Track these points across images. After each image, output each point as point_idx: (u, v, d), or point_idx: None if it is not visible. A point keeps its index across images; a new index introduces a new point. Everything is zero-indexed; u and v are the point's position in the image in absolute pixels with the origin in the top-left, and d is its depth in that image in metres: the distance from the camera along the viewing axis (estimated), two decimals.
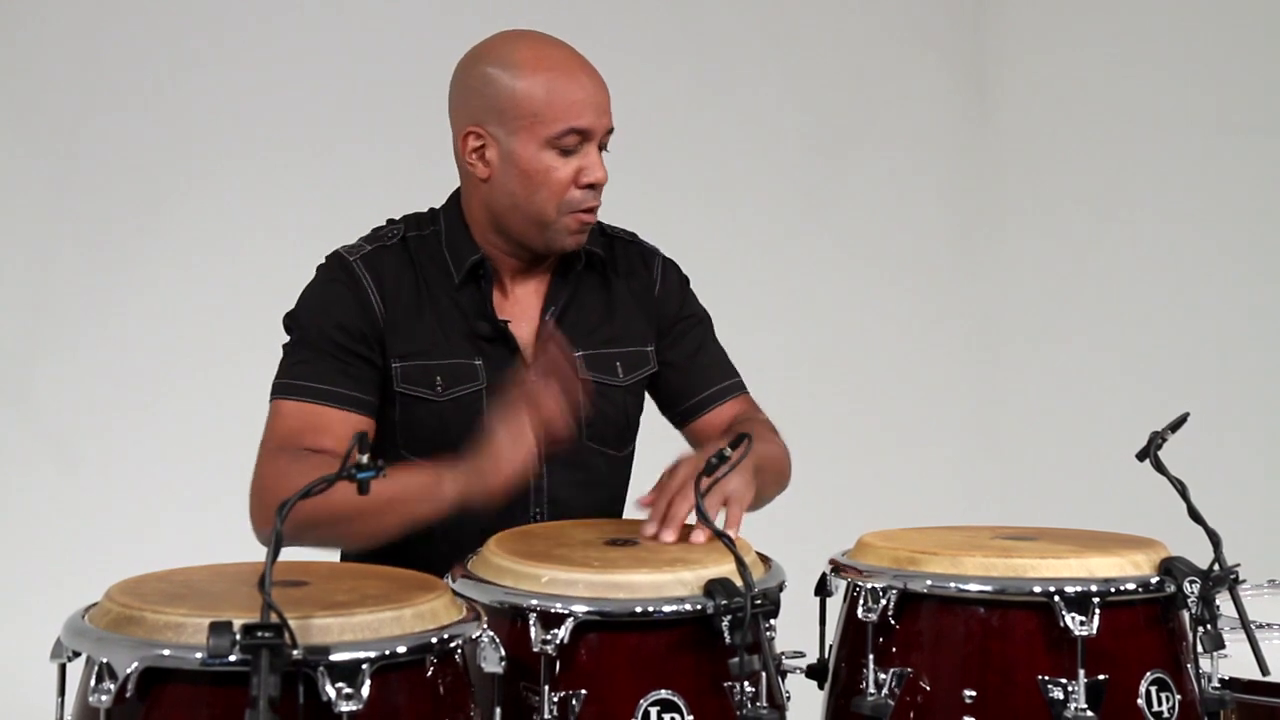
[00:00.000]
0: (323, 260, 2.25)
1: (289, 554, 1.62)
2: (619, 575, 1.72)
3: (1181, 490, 1.91)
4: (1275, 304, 4.29)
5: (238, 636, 1.39)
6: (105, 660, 1.46)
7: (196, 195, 3.95)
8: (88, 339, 3.85)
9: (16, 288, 3.84)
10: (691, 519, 1.90)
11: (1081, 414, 4.63)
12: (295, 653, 1.41)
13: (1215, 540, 1.87)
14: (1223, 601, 1.87)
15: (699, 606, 1.68)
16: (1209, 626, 1.82)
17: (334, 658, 1.44)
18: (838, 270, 4.71)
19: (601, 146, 2.18)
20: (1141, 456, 1.94)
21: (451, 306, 2.22)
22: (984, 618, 1.83)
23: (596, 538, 1.93)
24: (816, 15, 4.73)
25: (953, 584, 1.84)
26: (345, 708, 1.42)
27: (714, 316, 2.45)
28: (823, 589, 2.01)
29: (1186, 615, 1.85)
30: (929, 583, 1.85)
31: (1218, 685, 1.88)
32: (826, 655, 1.99)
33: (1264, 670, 1.86)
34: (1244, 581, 1.90)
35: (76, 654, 1.54)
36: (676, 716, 1.67)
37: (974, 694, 1.80)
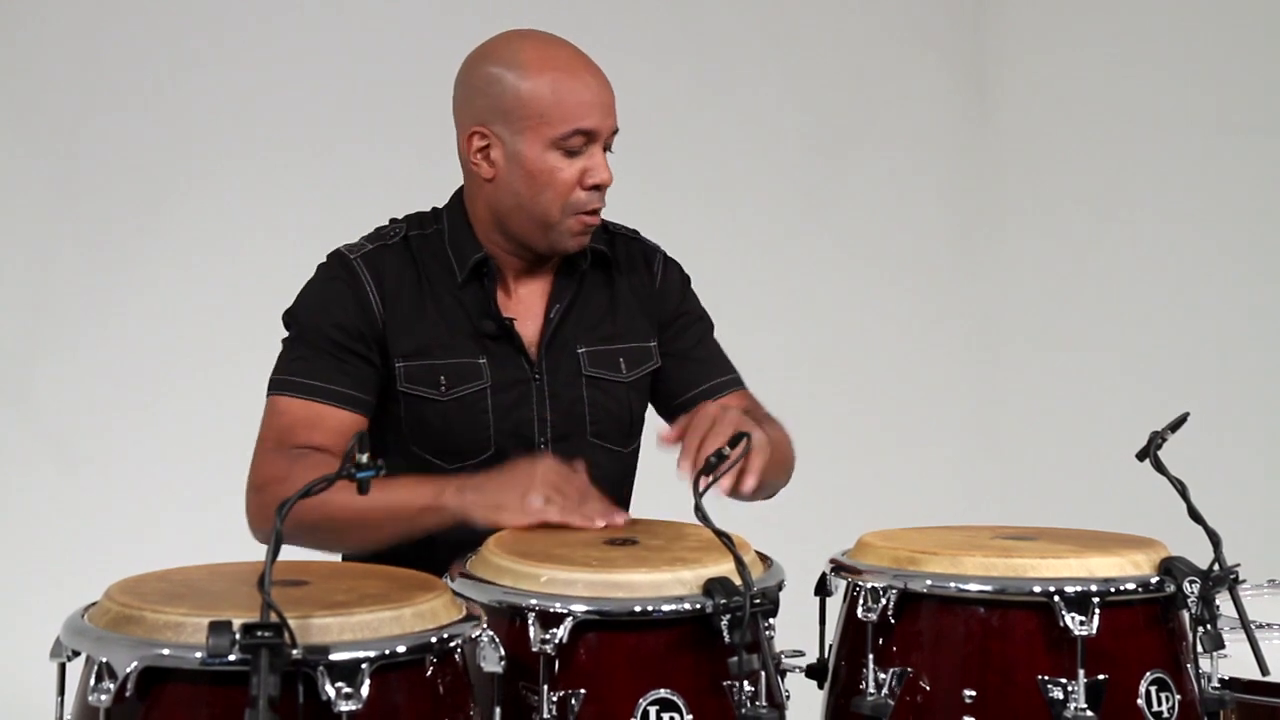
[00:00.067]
0: (324, 259, 2.25)
1: (289, 554, 1.62)
2: (618, 575, 1.72)
3: (1181, 490, 1.91)
4: (1275, 304, 4.29)
5: (237, 636, 1.39)
6: (105, 660, 1.46)
7: (196, 195, 3.95)
8: (88, 339, 3.85)
9: (16, 288, 3.84)
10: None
11: (1081, 414, 4.63)
12: (295, 652, 1.41)
13: (1215, 540, 1.86)
14: (1223, 601, 1.87)
15: (698, 606, 1.68)
16: (1209, 626, 1.82)
17: (333, 657, 1.44)
18: (838, 270, 4.71)
19: (606, 147, 2.18)
20: (1141, 456, 1.94)
21: (455, 305, 2.22)
22: (984, 618, 1.83)
23: (595, 537, 1.93)
24: (816, 15, 4.73)
25: (953, 584, 1.84)
26: (345, 707, 1.42)
27: (714, 316, 2.44)
28: (823, 589, 2.01)
29: (1186, 615, 1.85)
30: (929, 582, 1.85)
31: (1218, 685, 1.88)
32: (826, 655, 1.99)
33: (1264, 670, 1.86)
34: (1244, 581, 1.90)
35: (76, 653, 1.54)
36: (676, 716, 1.67)
37: (974, 694, 1.80)
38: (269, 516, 1.97)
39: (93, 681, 1.46)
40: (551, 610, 1.68)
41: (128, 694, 1.45)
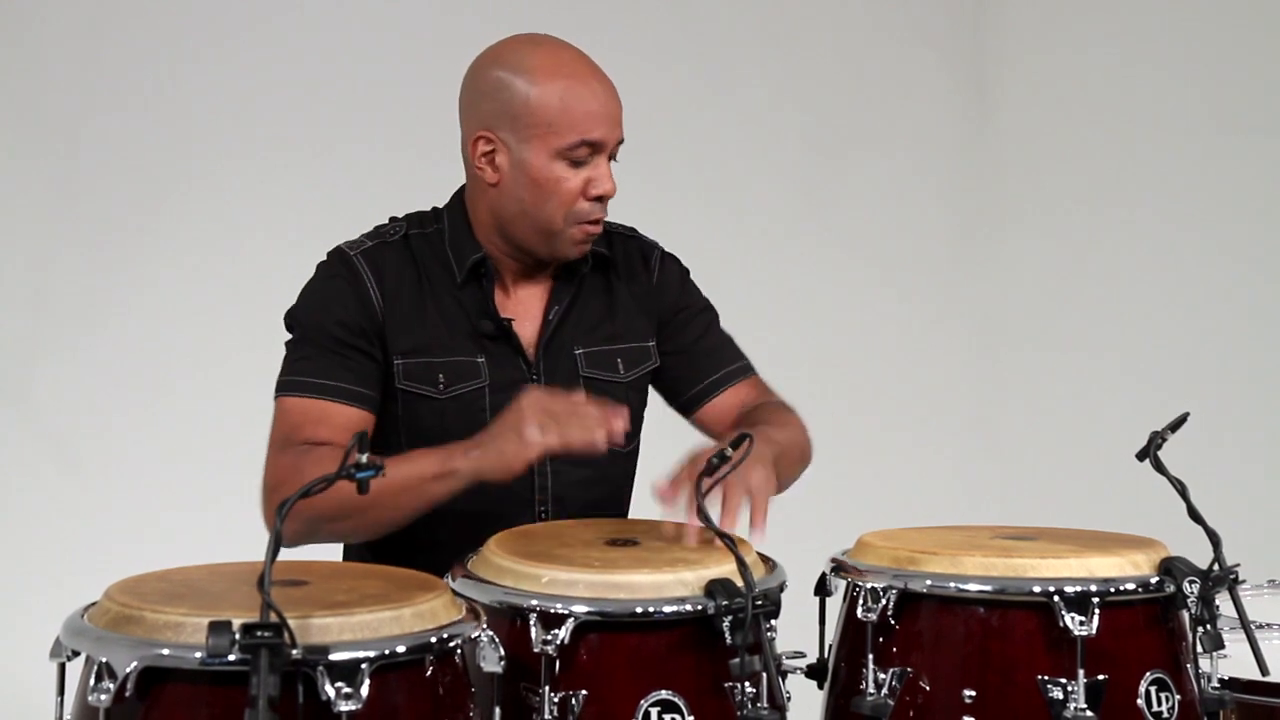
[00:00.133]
0: (323, 258, 2.25)
1: (289, 554, 1.62)
2: (619, 575, 1.72)
3: (1181, 490, 1.91)
4: (1275, 304, 4.29)
5: (237, 636, 1.39)
6: (104, 659, 1.46)
7: (196, 195, 3.95)
8: (88, 339, 3.85)
9: (16, 288, 3.84)
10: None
11: (1081, 414, 4.63)
12: (294, 652, 1.41)
13: (1215, 540, 1.87)
14: (1222, 601, 1.87)
15: (700, 607, 1.68)
16: (1208, 626, 1.82)
17: (333, 657, 1.44)
18: (838, 270, 4.71)
19: (611, 157, 2.18)
20: (1141, 456, 1.94)
21: (454, 305, 2.22)
22: (984, 618, 1.83)
23: (597, 538, 1.93)
24: (816, 15, 4.73)
25: (952, 584, 1.84)
26: (344, 707, 1.42)
27: None
28: (822, 589, 2.01)
29: (1186, 615, 1.85)
30: (929, 582, 1.85)
31: (1217, 685, 1.88)
32: (826, 655, 1.99)
33: (1263, 670, 1.86)
34: (1244, 581, 1.90)
35: (76, 653, 1.54)
36: (677, 717, 1.67)
37: (973, 694, 1.80)
38: (289, 517, 1.98)
39: (92, 681, 1.46)
40: (553, 611, 1.68)
41: (127, 694, 1.45)
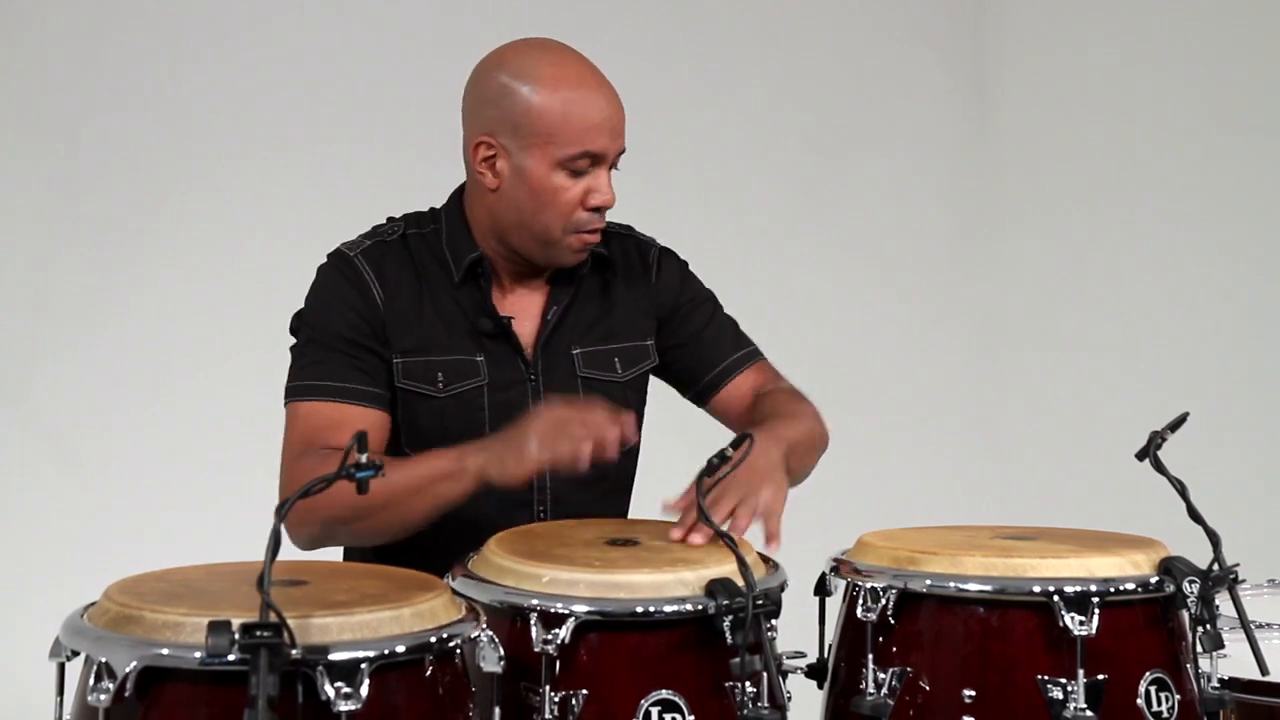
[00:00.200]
0: (324, 260, 2.25)
1: (288, 554, 1.62)
2: (620, 575, 1.72)
3: (1181, 490, 1.91)
4: (1275, 304, 4.29)
5: (236, 636, 1.39)
6: (104, 659, 1.46)
7: (196, 195, 3.96)
8: (88, 339, 3.85)
9: (16, 288, 3.84)
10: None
11: (1081, 414, 4.63)
12: (294, 652, 1.41)
13: (1215, 540, 1.87)
14: (1222, 601, 1.87)
15: (700, 607, 1.68)
16: (1208, 626, 1.82)
17: (333, 657, 1.44)
18: (838, 270, 4.71)
19: (612, 166, 2.18)
20: (1141, 456, 1.94)
21: (452, 304, 2.22)
22: (983, 617, 1.83)
23: (597, 537, 1.93)
24: (816, 15, 4.73)
25: (952, 584, 1.84)
26: (344, 707, 1.42)
27: None
28: (822, 589, 2.01)
29: (1186, 615, 1.85)
30: (928, 582, 1.85)
31: (1217, 685, 1.88)
32: (826, 655, 1.99)
33: (1263, 670, 1.86)
34: (1243, 581, 1.90)
35: (75, 653, 1.54)
36: (678, 717, 1.67)
37: (973, 694, 1.80)
38: (305, 521, 1.98)
39: (92, 681, 1.46)
40: (553, 610, 1.68)
41: (127, 694, 1.45)
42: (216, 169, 3.96)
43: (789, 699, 1.74)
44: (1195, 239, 4.43)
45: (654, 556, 1.81)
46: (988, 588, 1.83)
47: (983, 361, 4.89)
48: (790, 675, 1.81)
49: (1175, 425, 1.96)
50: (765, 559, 1.89)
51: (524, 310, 2.25)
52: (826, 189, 4.74)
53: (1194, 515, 1.89)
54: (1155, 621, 1.85)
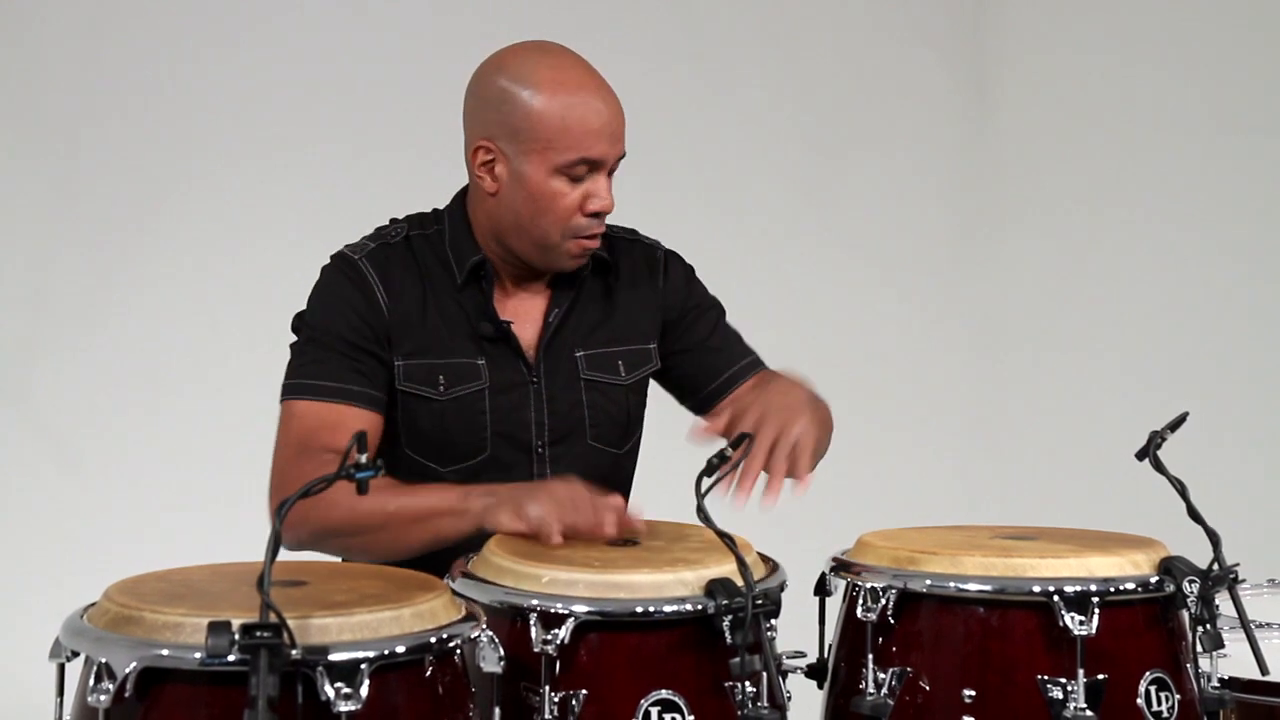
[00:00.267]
0: (326, 261, 2.25)
1: (288, 554, 1.62)
2: (619, 575, 1.72)
3: (1181, 490, 1.91)
4: (1275, 304, 4.29)
5: (236, 636, 1.39)
6: (104, 660, 1.46)
7: (196, 195, 3.96)
8: (88, 339, 3.86)
9: (16, 288, 3.84)
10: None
11: (1081, 414, 4.63)
12: (294, 652, 1.41)
13: (1214, 540, 1.87)
14: (1222, 601, 1.87)
15: (700, 606, 1.68)
16: (1208, 626, 1.82)
17: (333, 657, 1.44)
18: (838, 270, 4.71)
19: (610, 171, 2.17)
20: (1141, 456, 1.94)
21: (454, 306, 2.22)
22: (983, 617, 1.83)
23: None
24: (816, 15, 4.73)
25: (952, 584, 1.84)
26: (344, 707, 1.42)
27: None
28: (822, 588, 2.01)
29: (1186, 615, 1.85)
30: (928, 582, 1.85)
31: (1217, 685, 1.88)
32: (826, 655, 1.99)
33: (1263, 670, 1.86)
34: (1243, 581, 1.90)
35: (75, 654, 1.54)
36: (677, 717, 1.67)
37: (973, 694, 1.80)
38: (295, 521, 1.98)
39: (92, 682, 1.46)
40: (553, 611, 1.68)
41: (127, 694, 1.45)
42: (216, 169, 3.96)
43: (789, 699, 1.74)
44: (1195, 239, 4.43)
45: (654, 556, 1.81)
46: (988, 588, 1.83)
47: (983, 361, 4.89)
48: (790, 675, 1.81)
49: (1175, 425, 1.96)
50: (765, 558, 1.89)
51: (525, 313, 2.25)
52: (826, 189, 4.74)
53: (1194, 515, 1.89)
54: (1155, 621, 1.85)
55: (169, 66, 3.92)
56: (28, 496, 3.78)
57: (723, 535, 1.75)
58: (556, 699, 1.66)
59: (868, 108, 4.80)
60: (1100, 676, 1.79)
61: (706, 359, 2.35)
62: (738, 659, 1.62)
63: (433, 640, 1.54)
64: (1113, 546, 1.89)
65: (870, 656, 1.86)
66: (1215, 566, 1.85)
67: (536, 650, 1.65)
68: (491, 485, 2.02)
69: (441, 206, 2.31)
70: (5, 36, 3.79)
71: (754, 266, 4.50)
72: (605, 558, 1.80)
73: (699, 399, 2.36)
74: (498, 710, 1.65)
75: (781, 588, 1.80)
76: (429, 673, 1.54)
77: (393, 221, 2.30)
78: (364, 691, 1.43)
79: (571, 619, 1.66)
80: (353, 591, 1.60)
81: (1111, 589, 1.80)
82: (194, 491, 3.75)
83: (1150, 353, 4.46)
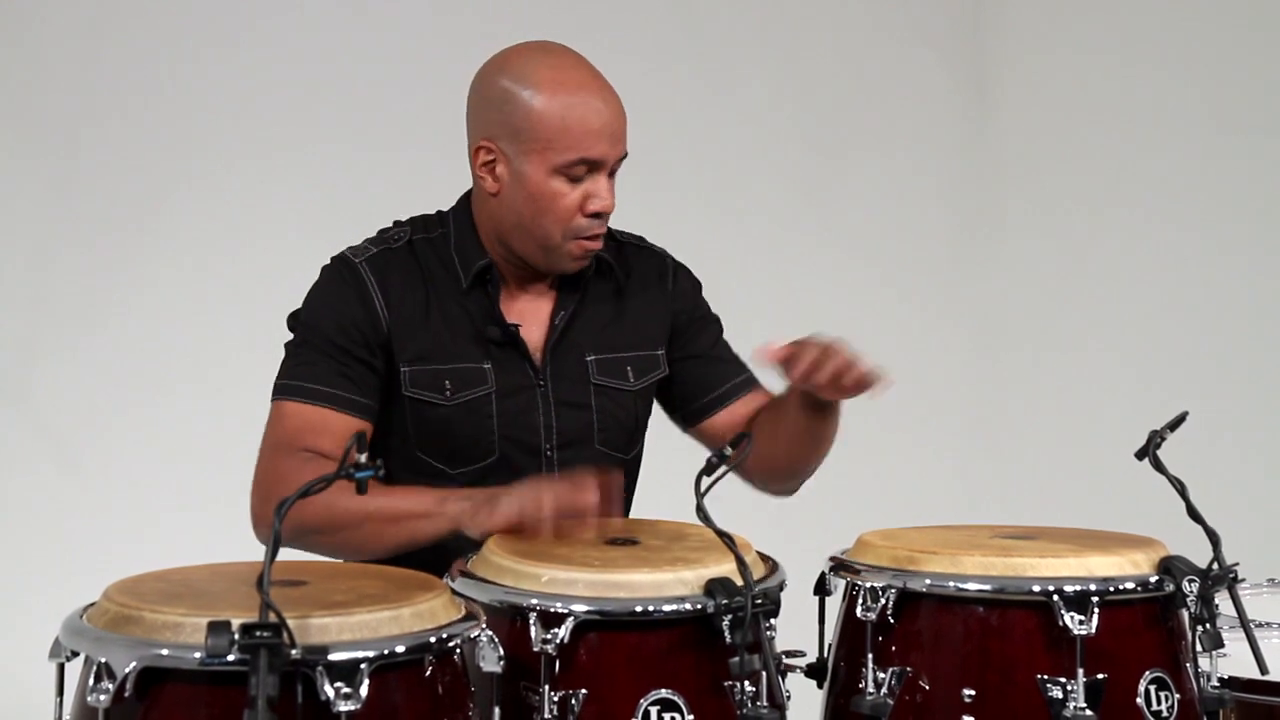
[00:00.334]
0: (327, 262, 2.24)
1: (288, 554, 1.62)
2: (619, 575, 1.72)
3: (1181, 489, 1.91)
4: (1275, 304, 4.29)
5: (236, 636, 1.39)
6: (103, 660, 1.46)
7: (196, 195, 3.95)
8: (88, 339, 3.85)
9: (16, 288, 3.84)
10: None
11: (1081, 414, 4.62)
12: (294, 652, 1.41)
13: (1214, 539, 1.87)
14: (1222, 601, 1.87)
15: (699, 606, 1.68)
16: (1208, 625, 1.82)
17: (332, 657, 1.44)
18: (838, 270, 4.70)
19: (612, 172, 2.17)
20: (1141, 456, 1.94)
21: (459, 310, 2.21)
22: (983, 617, 1.83)
23: (597, 537, 1.93)
24: (816, 15, 4.73)
25: (952, 583, 1.84)
26: (344, 707, 1.42)
27: None
28: (822, 588, 2.01)
29: (1185, 614, 1.85)
30: (928, 582, 1.85)
31: (1217, 684, 1.88)
32: (826, 654, 1.99)
33: (1263, 669, 1.86)
34: (1243, 580, 1.91)
35: (75, 653, 1.54)
36: (677, 716, 1.67)
37: (973, 693, 1.80)
38: (269, 517, 1.98)
39: (91, 682, 1.46)
40: (552, 610, 1.68)
41: (126, 694, 1.45)
42: (216, 169, 3.96)
43: (788, 698, 1.74)
44: (1195, 239, 4.43)
45: (653, 556, 1.81)
46: (987, 587, 1.83)
47: (983, 361, 4.88)
48: (790, 675, 1.82)
49: (1175, 424, 1.96)
50: (764, 558, 1.89)
51: (531, 316, 2.24)
52: (826, 189, 4.73)
53: (1194, 515, 1.90)
54: (1155, 621, 1.85)
55: (169, 66, 3.92)
56: (28, 496, 3.78)
57: (722, 535, 1.75)
58: (556, 698, 1.66)
59: (867, 108, 4.80)
60: (1100, 676, 1.79)
61: (705, 370, 2.35)
62: (737, 658, 1.62)
63: (432, 640, 1.54)
64: (1112, 546, 1.89)
65: (870, 656, 1.86)
66: (1215, 566, 1.85)
67: (536, 650, 1.66)
68: (469, 489, 2.03)
69: (445, 208, 2.30)
70: (5, 36, 3.79)
71: (754, 266, 4.50)
72: (605, 557, 1.80)
73: (694, 408, 2.35)
74: (497, 710, 1.65)
75: (781, 587, 1.80)
76: (429, 672, 1.55)
77: (396, 224, 2.29)
78: (364, 691, 1.44)
79: (571, 618, 1.67)
80: (352, 591, 1.60)
81: (1111, 588, 1.81)
82: (194, 491, 3.75)
83: (1150, 353, 4.46)
